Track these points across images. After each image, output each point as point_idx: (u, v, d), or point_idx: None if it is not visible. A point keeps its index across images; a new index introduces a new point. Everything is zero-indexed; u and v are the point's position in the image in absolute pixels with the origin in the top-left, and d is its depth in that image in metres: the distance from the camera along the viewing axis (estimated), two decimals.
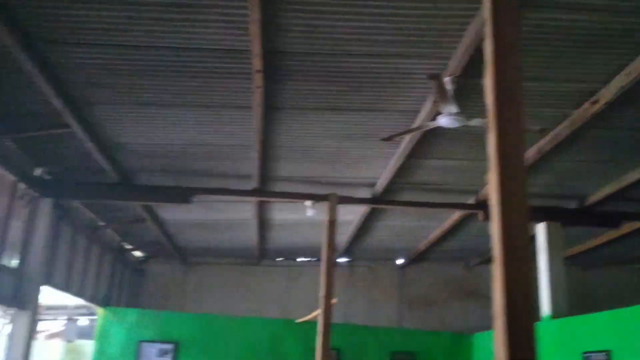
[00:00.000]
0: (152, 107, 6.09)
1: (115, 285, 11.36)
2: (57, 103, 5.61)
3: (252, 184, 8.14)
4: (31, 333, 7.28)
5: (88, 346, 12.95)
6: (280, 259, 13.75)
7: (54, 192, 7.57)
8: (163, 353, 9.73)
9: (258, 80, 5.17)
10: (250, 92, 5.63)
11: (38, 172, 7.21)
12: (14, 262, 7.04)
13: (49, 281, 7.82)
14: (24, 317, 7.11)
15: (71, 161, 7.40)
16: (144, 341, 9.70)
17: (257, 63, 4.90)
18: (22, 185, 7.06)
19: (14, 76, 5.27)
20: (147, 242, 11.99)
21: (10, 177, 6.80)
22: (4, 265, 6.77)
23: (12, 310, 7.12)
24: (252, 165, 7.58)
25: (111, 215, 9.96)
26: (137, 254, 12.89)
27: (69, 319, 12.31)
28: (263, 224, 10.43)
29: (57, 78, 5.30)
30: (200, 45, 4.90)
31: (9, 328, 7.23)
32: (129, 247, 12.19)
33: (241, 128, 6.61)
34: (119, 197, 8.12)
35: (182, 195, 7.91)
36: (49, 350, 12.01)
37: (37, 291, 7.37)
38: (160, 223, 10.20)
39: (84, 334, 12.82)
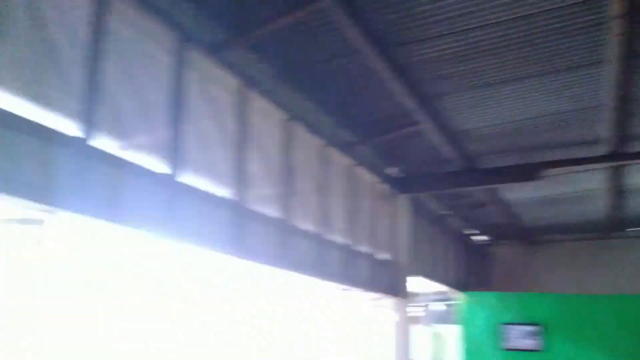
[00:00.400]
0: (491, 88, 6.00)
1: (468, 271, 11.67)
2: (408, 102, 5.95)
3: (602, 149, 7.37)
4: (407, 319, 7.93)
5: (445, 330, 13.61)
6: (637, 228, 12.23)
7: (409, 188, 8.06)
8: (528, 335, 9.56)
9: (617, 27, 4.62)
10: (600, 45, 5.09)
11: (393, 171, 7.83)
12: (386, 256, 7.75)
13: (416, 270, 8.41)
14: (401, 305, 7.78)
15: (419, 156, 7.83)
16: (505, 323, 9.67)
17: (616, 8, 4.37)
18: (383, 186, 7.73)
19: (369, 84, 5.77)
20: (489, 226, 12.01)
21: (369, 180, 7.51)
22: (379, 259, 7.52)
23: (389, 299, 7.81)
24: (602, 128, 6.85)
25: (454, 203, 10.25)
26: (481, 238, 13.04)
27: (426, 305, 13.12)
28: (617, 191, 9.40)
29: (408, 78, 5.61)
30: (539, 9, 4.61)
31: (386, 315, 7.97)
32: (472, 232, 12.43)
33: (588, 88, 6.04)
34: (465, 184, 8.23)
35: (528, 172, 7.61)
36: (419, 335, 12.99)
37: (406, 280, 8.00)
38: (503, 204, 10.07)
39: (441, 318, 13.52)
